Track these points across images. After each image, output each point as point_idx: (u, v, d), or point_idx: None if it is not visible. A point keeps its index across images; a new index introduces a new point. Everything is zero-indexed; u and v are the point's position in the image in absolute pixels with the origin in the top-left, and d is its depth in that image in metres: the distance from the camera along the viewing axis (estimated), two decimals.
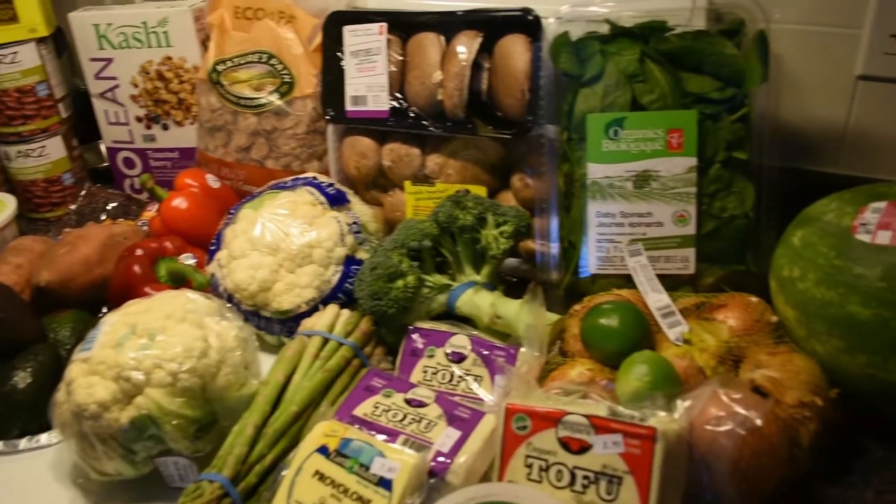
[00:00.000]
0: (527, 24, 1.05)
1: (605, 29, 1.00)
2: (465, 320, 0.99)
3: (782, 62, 1.08)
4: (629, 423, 0.69)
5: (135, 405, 0.85)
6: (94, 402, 0.85)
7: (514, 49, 1.05)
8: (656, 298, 0.89)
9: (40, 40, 1.45)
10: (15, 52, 1.42)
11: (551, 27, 1.01)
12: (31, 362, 1.02)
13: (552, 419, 0.73)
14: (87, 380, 0.87)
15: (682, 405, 0.72)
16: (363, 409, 0.85)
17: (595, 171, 0.98)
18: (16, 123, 1.46)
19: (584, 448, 0.71)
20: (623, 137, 0.96)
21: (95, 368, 0.87)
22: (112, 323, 0.91)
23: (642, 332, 0.85)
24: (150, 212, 1.41)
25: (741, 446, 0.70)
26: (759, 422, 0.70)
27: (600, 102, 0.97)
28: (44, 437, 0.99)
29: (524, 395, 0.77)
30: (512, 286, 1.12)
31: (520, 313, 0.92)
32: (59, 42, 1.54)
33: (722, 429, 0.70)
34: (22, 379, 0.99)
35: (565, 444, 0.72)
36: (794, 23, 1.08)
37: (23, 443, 0.99)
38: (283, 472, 0.79)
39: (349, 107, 1.19)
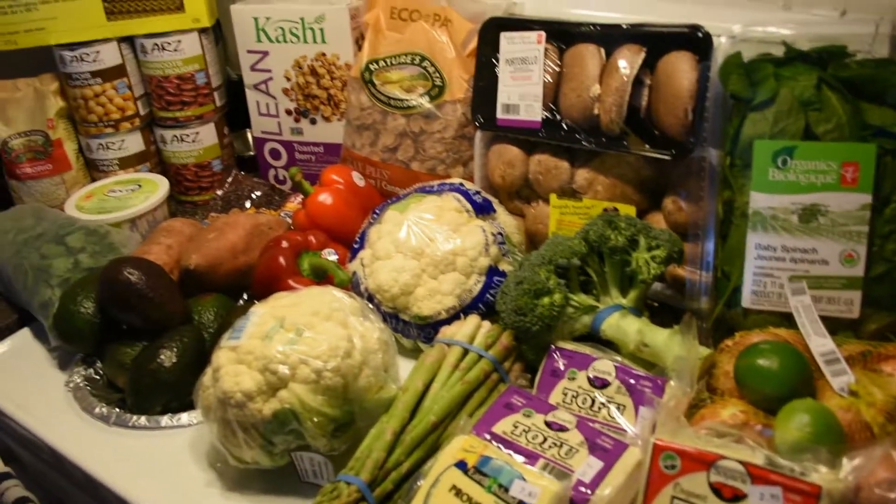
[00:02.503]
0: (695, 41, 1.01)
1: (778, 51, 0.95)
2: (607, 344, 0.96)
3: None
4: (790, 477, 0.66)
5: (278, 398, 0.87)
6: (239, 391, 0.87)
7: (680, 66, 1.01)
8: (820, 343, 0.84)
9: (202, 30, 1.50)
10: (178, 41, 1.48)
11: (723, 46, 0.96)
12: (177, 342, 1.05)
13: (705, 461, 0.70)
14: (234, 368, 0.89)
15: (849, 463, 0.68)
16: (502, 427, 0.83)
17: (758, 200, 0.93)
18: (173, 109, 1.53)
19: (737, 497, 0.68)
20: (792, 167, 0.91)
21: (243, 358, 0.89)
22: (261, 314, 0.92)
23: (803, 378, 0.80)
24: (293, 203, 1.44)
25: None
26: None
27: (770, 129, 0.92)
28: (184, 417, 1.03)
29: (673, 432, 0.74)
30: (654, 311, 1.08)
31: (669, 343, 0.89)
32: (216, 33, 1.60)
33: (894, 495, 0.66)
34: (168, 358, 1.03)
35: (717, 489, 0.69)
36: None
37: (165, 420, 1.03)
38: (420, 482, 0.79)
39: (500, 114, 1.18)
